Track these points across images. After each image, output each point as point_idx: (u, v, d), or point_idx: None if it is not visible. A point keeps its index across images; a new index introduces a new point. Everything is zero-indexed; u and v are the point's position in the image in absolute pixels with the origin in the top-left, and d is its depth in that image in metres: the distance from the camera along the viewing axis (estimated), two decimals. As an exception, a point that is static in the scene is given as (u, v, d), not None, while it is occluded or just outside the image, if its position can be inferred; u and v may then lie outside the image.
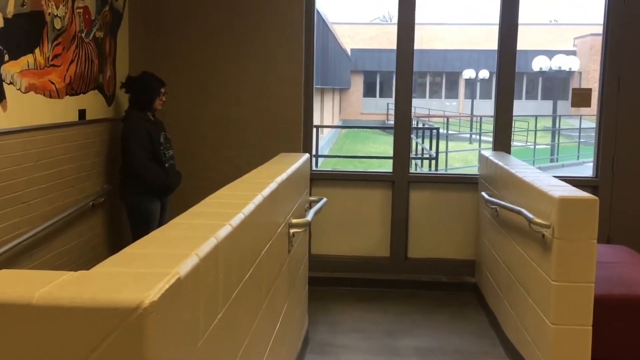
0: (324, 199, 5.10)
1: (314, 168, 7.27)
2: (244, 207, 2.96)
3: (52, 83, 5.27)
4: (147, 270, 2.03)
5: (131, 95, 6.11)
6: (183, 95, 7.04)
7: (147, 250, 2.28)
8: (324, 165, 19.92)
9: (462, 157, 23.88)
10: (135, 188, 5.91)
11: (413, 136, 17.23)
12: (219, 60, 6.95)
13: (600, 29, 7.10)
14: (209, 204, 3.09)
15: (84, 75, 5.78)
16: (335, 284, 6.94)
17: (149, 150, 5.85)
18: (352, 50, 41.51)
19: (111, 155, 6.40)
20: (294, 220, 4.07)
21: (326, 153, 24.64)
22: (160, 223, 6.01)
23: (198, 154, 7.10)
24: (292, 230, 4.04)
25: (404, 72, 7.05)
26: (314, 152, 8.19)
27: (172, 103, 6.92)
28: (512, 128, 7.35)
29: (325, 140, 27.51)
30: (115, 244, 6.53)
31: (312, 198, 5.18)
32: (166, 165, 5.96)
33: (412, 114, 7.21)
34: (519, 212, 4.81)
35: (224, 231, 2.60)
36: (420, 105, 38.58)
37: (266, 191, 3.41)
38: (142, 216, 5.91)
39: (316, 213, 4.56)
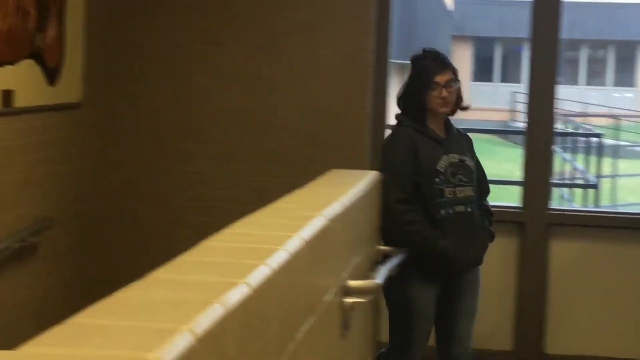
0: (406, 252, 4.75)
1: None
2: (270, 256, 2.40)
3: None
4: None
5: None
6: (158, 71, 6.34)
7: (110, 321, 1.81)
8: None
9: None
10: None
11: (558, 148, 14.39)
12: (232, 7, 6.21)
13: None
14: (211, 251, 2.50)
15: (12, 33, 5.40)
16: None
17: (409, 184, 4.90)
18: (455, 2, 30.22)
19: (59, 172, 5.74)
20: (353, 283, 3.66)
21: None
22: (455, 314, 5.00)
23: (191, 173, 6.47)
24: (348, 300, 3.60)
25: (543, 39, 6.36)
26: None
27: (147, 86, 6.28)
28: None
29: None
30: None
31: (383, 248, 4.82)
32: (441, 212, 4.90)
33: (555, 111, 6.45)
34: None
35: (237, 294, 2.07)
36: (570, 97, 31.91)
37: (307, 232, 2.84)
38: (398, 307, 5.04)
39: (392, 273, 4.35)
